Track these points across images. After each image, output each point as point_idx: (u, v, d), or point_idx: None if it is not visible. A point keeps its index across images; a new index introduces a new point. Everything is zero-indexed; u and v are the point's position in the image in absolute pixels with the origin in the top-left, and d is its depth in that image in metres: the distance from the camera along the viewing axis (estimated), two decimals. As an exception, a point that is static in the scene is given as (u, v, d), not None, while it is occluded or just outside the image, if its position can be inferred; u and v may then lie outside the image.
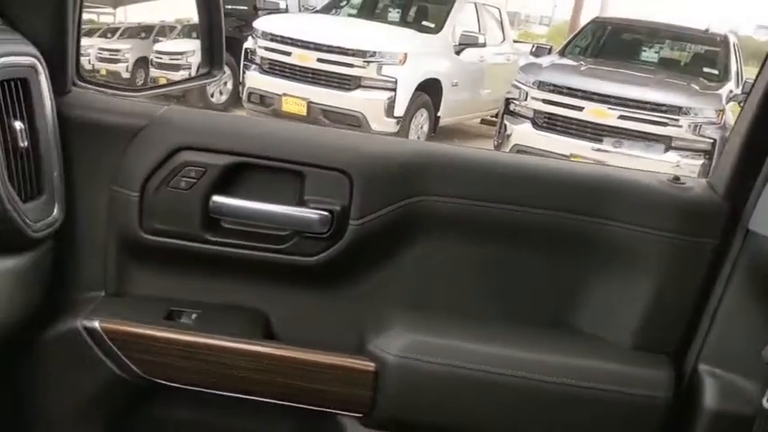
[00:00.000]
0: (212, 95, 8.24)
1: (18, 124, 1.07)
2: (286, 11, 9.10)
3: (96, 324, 1.20)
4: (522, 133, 6.59)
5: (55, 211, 1.16)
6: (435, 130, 8.00)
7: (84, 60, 1.32)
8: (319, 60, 7.17)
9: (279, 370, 1.19)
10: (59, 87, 1.19)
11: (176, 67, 6.49)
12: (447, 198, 1.23)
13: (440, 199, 1.23)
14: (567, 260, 1.26)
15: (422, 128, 7.71)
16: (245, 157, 1.23)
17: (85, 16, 1.29)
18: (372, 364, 1.18)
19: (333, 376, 1.18)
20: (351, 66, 7.11)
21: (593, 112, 6.26)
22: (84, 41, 1.31)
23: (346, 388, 1.18)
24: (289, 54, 7.31)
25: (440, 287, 1.29)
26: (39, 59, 1.13)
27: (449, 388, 1.17)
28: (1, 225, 1.03)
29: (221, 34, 1.53)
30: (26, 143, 1.08)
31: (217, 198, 1.22)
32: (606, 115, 6.20)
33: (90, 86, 1.30)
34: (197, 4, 1.52)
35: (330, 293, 1.29)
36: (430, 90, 7.61)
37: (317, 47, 7.19)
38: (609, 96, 6.22)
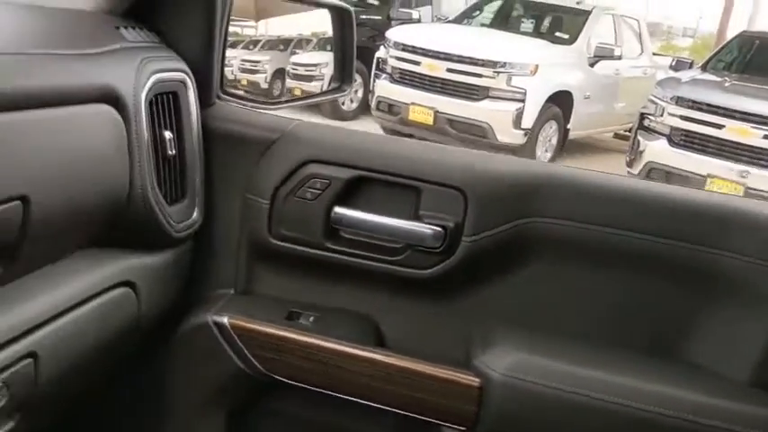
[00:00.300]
0: (343, 104, 8.47)
1: (168, 134, 1.16)
2: (419, 21, 9.22)
3: (225, 320, 1.27)
4: (657, 150, 6.33)
5: (195, 213, 1.26)
6: (564, 143, 7.83)
7: (227, 71, 1.39)
8: (448, 70, 7.20)
9: (391, 378, 1.22)
10: (205, 100, 1.29)
11: (310, 78, 6.70)
12: (561, 220, 1.23)
13: (554, 221, 1.23)
14: (681, 290, 1.23)
15: (550, 140, 7.56)
16: (366, 172, 1.28)
17: (231, 29, 1.36)
18: (477, 379, 1.19)
19: (438, 388, 1.20)
20: (479, 76, 7.08)
21: (735, 131, 5.91)
22: (229, 53, 1.38)
23: (450, 401, 1.20)
24: (418, 63, 7.38)
25: (549, 308, 1.28)
26: (188, 75, 1.23)
27: (553, 410, 1.17)
28: (149, 225, 1.13)
29: (353, 49, 1.58)
30: (173, 151, 1.18)
31: (338, 209, 1.28)
32: (749, 134, 5.84)
33: (231, 99, 1.38)
34: (331, 20, 1.57)
35: (440, 307, 1.31)
36: (561, 102, 7.46)
37: (447, 57, 7.22)
38: (753, 115, 5.85)
